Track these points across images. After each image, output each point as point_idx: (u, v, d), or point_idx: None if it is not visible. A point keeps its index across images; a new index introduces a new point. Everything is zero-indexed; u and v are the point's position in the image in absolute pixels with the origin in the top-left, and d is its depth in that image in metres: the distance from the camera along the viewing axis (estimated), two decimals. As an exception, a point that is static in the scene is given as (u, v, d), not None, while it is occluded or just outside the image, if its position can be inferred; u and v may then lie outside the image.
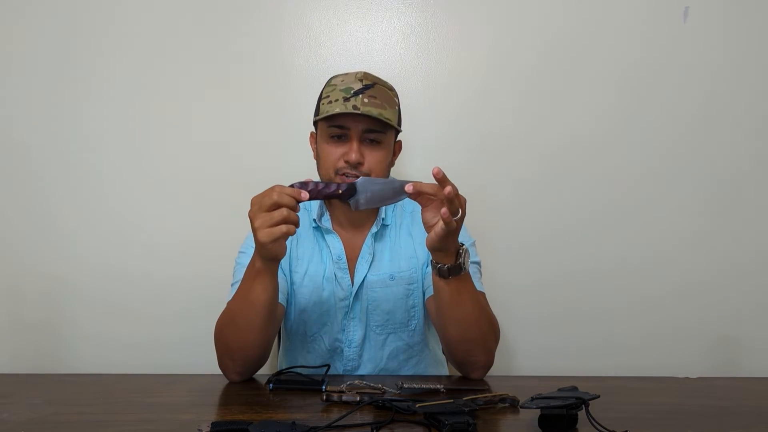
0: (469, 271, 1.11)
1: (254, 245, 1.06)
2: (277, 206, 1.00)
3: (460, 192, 1.01)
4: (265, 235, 1.00)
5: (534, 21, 1.67)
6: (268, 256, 1.06)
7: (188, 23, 1.67)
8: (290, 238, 1.30)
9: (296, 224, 1.02)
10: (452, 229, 1.01)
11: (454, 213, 0.99)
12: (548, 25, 1.67)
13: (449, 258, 1.07)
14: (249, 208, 1.03)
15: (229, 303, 1.20)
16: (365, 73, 1.29)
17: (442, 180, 0.99)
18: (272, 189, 1.01)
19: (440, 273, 1.08)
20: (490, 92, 1.68)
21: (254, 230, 1.02)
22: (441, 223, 1.00)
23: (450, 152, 1.68)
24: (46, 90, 1.66)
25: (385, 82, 1.31)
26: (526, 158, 1.67)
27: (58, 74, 1.66)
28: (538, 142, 1.67)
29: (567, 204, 1.68)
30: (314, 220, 1.32)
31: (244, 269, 1.26)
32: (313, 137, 1.34)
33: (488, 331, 1.19)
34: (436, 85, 1.67)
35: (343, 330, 1.31)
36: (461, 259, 1.07)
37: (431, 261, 1.10)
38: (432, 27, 1.67)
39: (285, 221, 1.00)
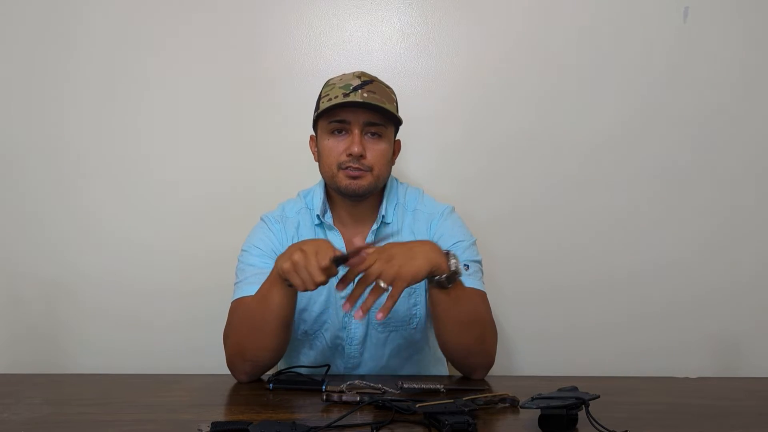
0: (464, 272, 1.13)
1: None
2: (319, 276, 1.03)
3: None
4: (299, 280, 1.05)
5: (534, 20, 1.66)
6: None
7: (187, 23, 1.66)
8: (293, 236, 1.32)
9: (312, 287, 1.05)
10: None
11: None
12: (548, 24, 1.66)
13: (442, 269, 1.09)
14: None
15: (246, 303, 1.20)
16: (362, 72, 1.30)
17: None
18: (328, 267, 1.04)
19: (440, 285, 1.11)
20: (491, 92, 1.67)
21: (293, 260, 1.04)
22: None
23: (450, 152, 1.67)
24: (42, 94, 1.65)
25: (383, 81, 1.31)
26: (524, 159, 1.67)
27: (54, 77, 1.65)
28: (537, 142, 1.67)
29: (566, 206, 1.67)
30: (318, 216, 1.32)
31: (248, 268, 1.27)
32: (313, 140, 1.34)
33: (485, 332, 1.20)
34: (436, 84, 1.67)
35: (344, 328, 1.31)
36: (453, 265, 1.10)
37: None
38: (432, 27, 1.67)
39: (310, 281, 1.04)
